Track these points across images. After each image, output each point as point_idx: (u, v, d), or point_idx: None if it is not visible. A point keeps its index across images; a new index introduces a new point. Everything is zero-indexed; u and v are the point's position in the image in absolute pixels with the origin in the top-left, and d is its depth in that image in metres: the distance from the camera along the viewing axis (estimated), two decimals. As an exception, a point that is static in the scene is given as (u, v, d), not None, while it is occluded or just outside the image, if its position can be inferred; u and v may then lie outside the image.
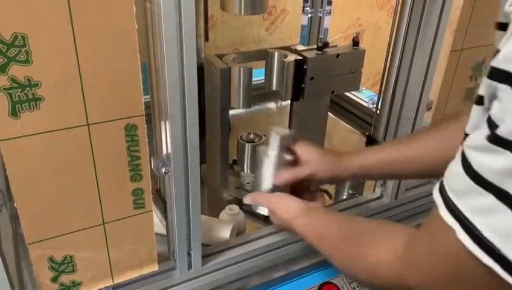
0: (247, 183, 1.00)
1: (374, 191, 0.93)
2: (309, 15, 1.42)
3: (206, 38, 1.07)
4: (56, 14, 0.45)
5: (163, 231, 0.73)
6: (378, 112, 0.91)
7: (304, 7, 1.41)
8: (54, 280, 0.60)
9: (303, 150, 0.76)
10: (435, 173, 0.52)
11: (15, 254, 0.73)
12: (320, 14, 1.41)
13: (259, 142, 1.02)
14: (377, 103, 0.95)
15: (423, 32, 0.75)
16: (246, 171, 1.03)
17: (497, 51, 0.37)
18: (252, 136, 1.04)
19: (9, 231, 0.74)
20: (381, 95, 0.89)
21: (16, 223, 0.81)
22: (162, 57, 0.54)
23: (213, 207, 0.92)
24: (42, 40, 0.45)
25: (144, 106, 0.54)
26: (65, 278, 0.61)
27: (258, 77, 1.00)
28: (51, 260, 0.58)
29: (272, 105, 1.43)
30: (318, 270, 0.83)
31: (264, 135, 1.23)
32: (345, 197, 1.00)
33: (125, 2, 0.48)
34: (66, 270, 0.60)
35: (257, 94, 0.92)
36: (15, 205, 0.53)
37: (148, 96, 0.63)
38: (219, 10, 0.84)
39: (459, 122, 0.62)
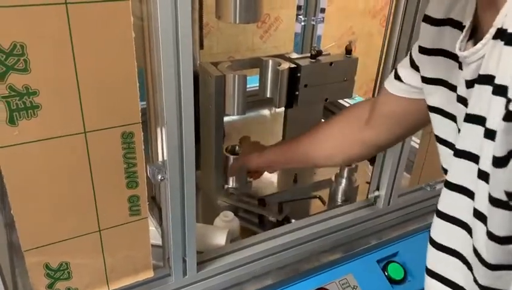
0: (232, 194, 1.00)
1: (367, 197, 0.94)
2: (302, 23, 1.44)
3: (201, 46, 1.08)
4: (55, 24, 0.46)
5: (157, 242, 0.73)
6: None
7: (297, 15, 1.43)
8: (50, 286, 0.60)
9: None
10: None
11: (10, 262, 0.73)
12: (314, 22, 1.43)
13: None
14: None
15: (415, 41, 0.77)
16: (230, 183, 1.03)
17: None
18: (237, 148, 1.04)
19: (3, 239, 0.74)
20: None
21: (11, 231, 0.81)
22: (158, 64, 0.54)
23: (207, 213, 0.93)
24: (41, 49, 0.46)
25: (140, 113, 0.55)
26: (61, 285, 0.61)
27: (252, 84, 1.01)
28: (47, 266, 0.59)
29: (265, 112, 1.45)
30: (312, 276, 0.83)
31: (259, 142, 1.25)
32: (338, 203, 1.01)
33: (122, 12, 0.48)
34: (61, 277, 0.60)
35: (251, 101, 0.94)
36: (11, 212, 0.53)
37: (144, 102, 0.64)
38: (214, 18, 0.85)
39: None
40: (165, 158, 0.60)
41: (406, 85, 0.64)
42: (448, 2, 0.52)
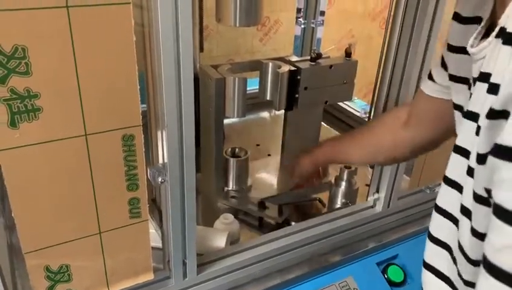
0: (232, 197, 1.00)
1: (366, 200, 0.94)
2: (302, 26, 1.44)
3: (201, 49, 1.09)
4: (56, 27, 0.46)
5: (157, 244, 0.73)
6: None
7: (297, 18, 1.43)
8: (50, 289, 0.60)
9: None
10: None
11: (10, 264, 0.73)
12: (313, 25, 1.44)
13: (245, 157, 1.01)
14: (369, 113, 0.97)
15: (414, 44, 0.77)
16: (231, 186, 1.03)
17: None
18: (237, 150, 1.04)
19: (3, 241, 0.74)
20: (374, 105, 0.90)
21: (11, 233, 0.81)
22: (159, 67, 0.55)
23: (207, 216, 0.93)
24: (42, 52, 0.46)
25: (140, 116, 0.55)
26: (61, 288, 0.61)
27: (251, 86, 1.01)
28: (47, 269, 0.59)
29: (265, 114, 1.45)
30: (312, 279, 0.83)
31: (258, 144, 1.25)
32: (338, 205, 1.01)
33: (123, 15, 0.48)
34: (62, 279, 0.60)
35: (250, 103, 0.94)
36: (12, 215, 0.53)
37: (145, 105, 0.64)
38: (214, 21, 0.86)
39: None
40: (166, 161, 0.60)
41: (437, 85, 0.64)
42: (476, 0, 0.52)
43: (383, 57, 0.84)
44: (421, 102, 0.71)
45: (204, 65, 0.93)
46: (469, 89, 0.52)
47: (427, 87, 0.68)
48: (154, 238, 0.73)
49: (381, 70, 0.86)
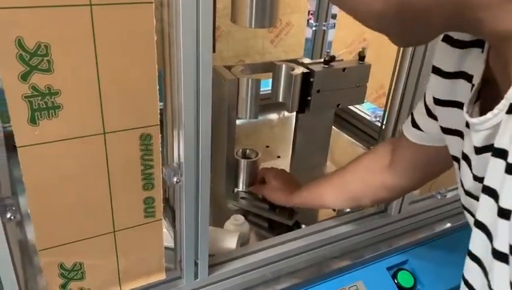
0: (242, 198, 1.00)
1: (377, 204, 0.94)
2: (313, 28, 1.44)
3: (213, 50, 1.08)
4: (79, 25, 0.46)
5: (168, 244, 0.73)
6: (383, 126, 0.92)
7: (308, 20, 1.43)
8: (63, 286, 0.60)
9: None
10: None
11: (21, 261, 0.73)
12: (325, 28, 1.44)
13: (256, 158, 1.01)
14: (382, 118, 0.97)
15: (431, 47, 0.77)
16: (241, 187, 1.03)
17: None
18: (248, 152, 1.03)
19: (15, 239, 0.74)
20: (387, 110, 0.90)
21: (22, 231, 0.81)
22: (178, 66, 0.54)
23: (218, 217, 0.93)
24: (64, 50, 0.46)
25: (158, 116, 0.55)
26: (74, 286, 0.61)
27: (263, 87, 1.01)
28: (61, 266, 0.59)
29: (274, 116, 1.45)
30: (322, 282, 0.83)
31: (268, 146, 1.25)
32: (348, 210, 1.00)
33: (145, 14, 0.49)
34: (75, 277, 0.60)
35: (260, 105, 0.94)
36: (28, 211, 0.53)
37: (162, 104, 0.64)
38: (225, 22, 0.85)
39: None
40: (182, 160, 0.60)
41: (425, 134, 0.63)
42: (457, 55, 0.51)
43: (398, 61, 0.84)
44: (406, 148, 0.68)
45: (218, 66, 0.93)
46: (462, 139, 0.50)
47: (412, 134, 0.65)
48: (166, 238, 0.73)
49: (395, 74, 0.85)
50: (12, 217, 0.52)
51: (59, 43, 0.46)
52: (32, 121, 0.48)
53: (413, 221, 0.96)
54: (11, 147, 0.50)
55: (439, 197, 0.98)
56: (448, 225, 0.99)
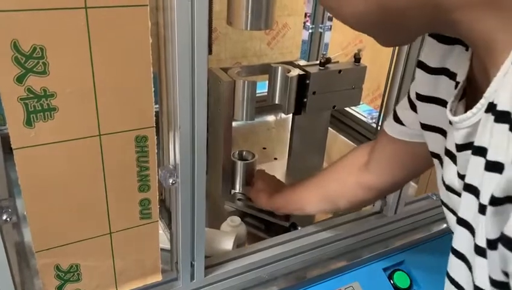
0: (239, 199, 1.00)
1: (373, 205, 0.94)
2: (310, 30, 1.45)
3: (210, 51, 1.09)
4: (74, 27, 0.46)
5: (164, 245, 0.73)
6: (379, 128, 0.93)
7: (305, 23, 1.44)
8: (59, 288, 0.60)
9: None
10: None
11: (18, 263, 0.74)
12: (321, 30, 1.44)
13: (252, 160, 1.01)
14: (378, 119, 0.97)
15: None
16: (238, 188, 1.02)
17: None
18: (244, 153, 1.04)
19: (12, 240, 0.74)
20: (382, 111, 0.91)
21: (18, 232, 0.81)
22: (173, 68, 0.55)
23: (214, 218, 0.93)
24: (60, 52, 0.46)
25: (154, 117, 0.55)
26: (70, 287, 0.61)
27: (259, 89, 1.01)
28: (57, 268, 0.59)
29: (271, 118, 1.45)
30: (318, 283, 0.83)
31: (265, 148, 1.25)
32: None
33: (141, 17, 0.49)
34: (71, 279, 0.60)
35: (256, 107, 0.94)
36: (24, 213, 0.53)
37: (157, 106, 0.64)
38: (222, 24, 0.86)
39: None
40: (177, 162, 0.61)
41: (407, 128, 0.63)
42: (442, 51, 0.51)
43: (393, 63, 0.84)
44: (386, 144, 0.68)
45: (214, 68, 0.93)
46: (445, 137, 0.51)
47: (393, 129, 0.65)
48: (162, 239, 0.73)
49: (390, 76, 0.86)
50: (8, 219, 0.53)
51: (54, 46, 0.46)
52: (28, 123, 0.48)
53: (409, 222, 0.96)
54: (8, 149, 0.50)
55: (435, 198, 0.98)
56: (444, 225, 0.99)
